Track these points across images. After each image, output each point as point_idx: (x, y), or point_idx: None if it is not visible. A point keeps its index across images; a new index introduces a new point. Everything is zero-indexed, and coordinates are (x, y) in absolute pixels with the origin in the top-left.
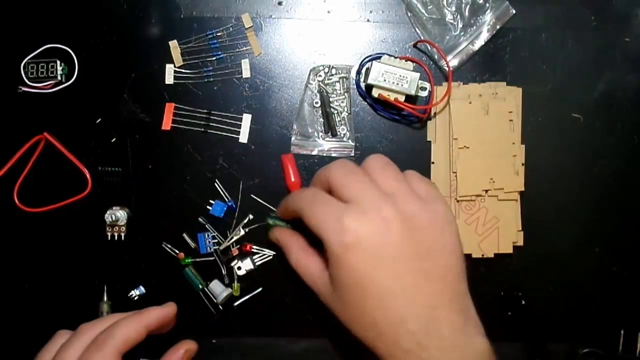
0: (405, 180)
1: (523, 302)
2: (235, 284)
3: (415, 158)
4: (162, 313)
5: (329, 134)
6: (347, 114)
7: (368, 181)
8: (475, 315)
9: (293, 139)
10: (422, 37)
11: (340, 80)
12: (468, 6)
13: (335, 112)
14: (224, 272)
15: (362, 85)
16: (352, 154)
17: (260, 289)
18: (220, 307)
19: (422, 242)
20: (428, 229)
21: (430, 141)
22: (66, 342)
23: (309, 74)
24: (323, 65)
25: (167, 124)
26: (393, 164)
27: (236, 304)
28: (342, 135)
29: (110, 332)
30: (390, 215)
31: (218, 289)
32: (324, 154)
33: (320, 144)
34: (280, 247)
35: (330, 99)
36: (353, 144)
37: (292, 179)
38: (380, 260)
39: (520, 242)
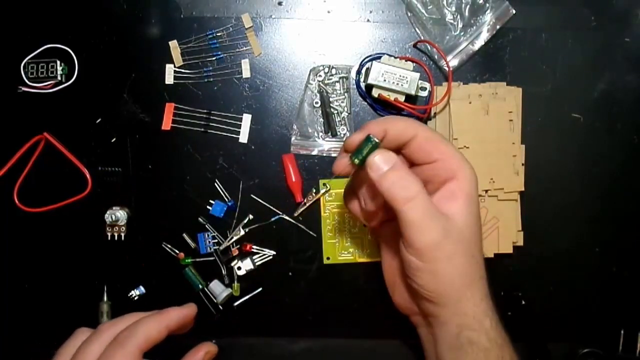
0: None
1: (523, 302)
2: (236, 284)
3: None
4: (182, 313)
5: (329, 134)
6: (347, 114)
7: None
8: None
9: (293, 139)
10: (422, 37)
11: (340, 80)
12: (468, 6)
13: (335, 112)
14: (224, 272)
15: (362, 85)
16: None
17: (260, 288)
18: (220, 307)
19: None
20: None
21: None
22: (87, 340)
23: (309, 74)
24: (323, 65)
25: (167, 124)
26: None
27: (236, 304)
28: (342, 135)
29: (132, 330)
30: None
31: (218, 289)
32: (324, 154)
33: (320, 144)
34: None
35: (330, 99)
36: None
37: (293, 179)
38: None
39: (520, 242)
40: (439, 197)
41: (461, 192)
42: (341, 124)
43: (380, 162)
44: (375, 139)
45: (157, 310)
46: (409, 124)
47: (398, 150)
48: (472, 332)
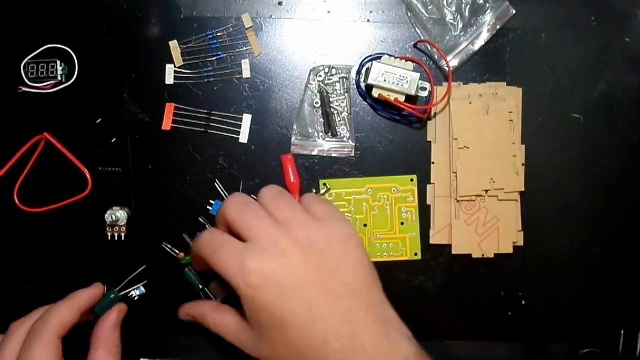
0: (298, 207)
1: (523, 302)
2: None
3: (415, 158)
4: (90, 293)
5: (329, 134)
6: (347, 114)
7: (263, 215)
8: (398, 322)
9: (293, 139)
10: (422, 37)
11: (340, 80)
12: (468, 6)
13: (335, 112)
14: None
15: (362, 85)
16: (352, 154)
17: None
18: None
19: (325, 263)
20: (329, 249)
21: (430, 141)
22: (2, 341)
23: (309, 74)
24: (323, 65)
25: (167, 124)
26: (286, 192)
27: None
28: (342, 135)
29: (45, 318)
30: (288, 246)
31: (217, 289)
32: (324, 154)
33: (320, 144)
34: (196, 321)
35: (330, 99)
36: (353, 143)
37: (292, 180)
38: (288, 292)
39: (520, 242)
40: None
41: (243, 303)
42: (341, 124)
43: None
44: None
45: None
46: (194, 250)
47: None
48: None
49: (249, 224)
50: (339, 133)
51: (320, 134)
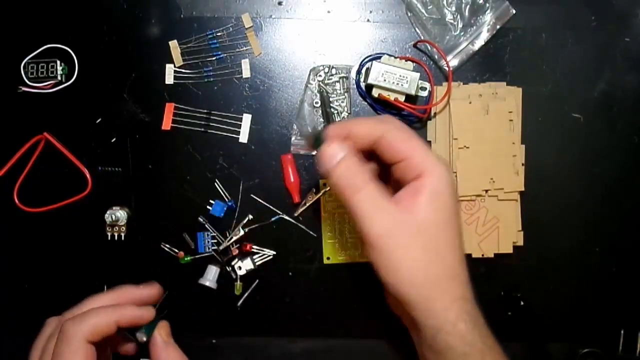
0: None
1: (522, 303)
2: (238, 284)
3: None
4: (137, 314)
5: None
6: (347, 114)
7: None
8: None
9: (293, 139)
10: (422, 37)
11: (340, 80)
12: (468, 6)
13: (335, 112)
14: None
15: (362, 85)
16: None
17: (257, 280)
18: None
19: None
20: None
21: (430, 141)
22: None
23: (309, 74)
24: (323, 65)
25: (167, 124)
26: None
27: (239, 303)
28: None
29: (79, 320)
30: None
31: (211, 271)
32: None
33: None
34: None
35: (330, 99)
36: None
37: (292, 179)
38: (456, 210)
39: (520, 242)
40: (402, 194)
41: (424, 189)
42: None
43: (326, 157)
44: (323, 137)
45: (118, 292)
46: (374, 124)
47: (371, 151)
48: (448, 336)
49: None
50: None
51: None
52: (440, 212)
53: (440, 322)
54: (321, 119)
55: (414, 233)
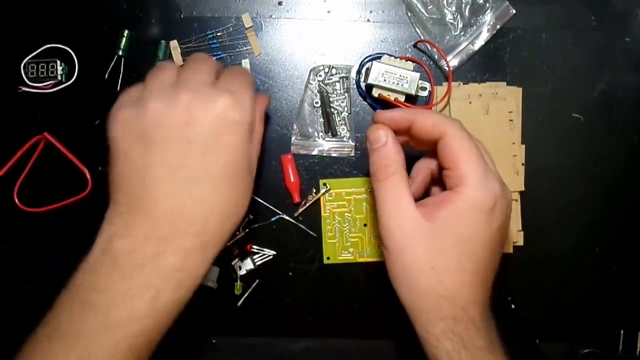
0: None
1: (522, 303)
2: (238, 283)
3: (415, 158)
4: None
5: (329, 134)
6: (347, 114)
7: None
8: None
9: (293, 139)
10: (422, 37)
11: (340, 80)
12: (468, 6)
13: (335, 112)
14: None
15: (362, 85)
16: (353, 154)
17: (257, 280)
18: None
19: (504, 242)
20: (507, 231)
21: None
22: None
23: (309, 74)
24: (323, 65)
25: None
26: None
27: (239, 303)
28: (342, 135)
29: (243, 76)
30: (507, 199)
31: (211, 271)
32: (324, 154)
33: (320, 143)
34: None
35: (330, 99)
36: (353, 143)
37: (291, 179)
38: (498, 235)
39: (520, 242)
40: (430, 199)
41: (449, 203)
42: (341, 124)
43: (370, 138)
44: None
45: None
46: (438, 122)
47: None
48: (433, 349)
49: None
50: (339, 133)
51: (320, 134)
52: (455, 232)
53: (423, 332)
54: (321, 119)
55: (423, 239)
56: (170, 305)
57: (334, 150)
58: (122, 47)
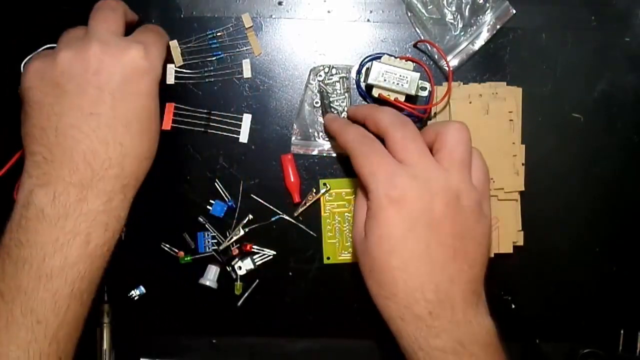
0: (467, 166)
1: (522, 303)
2: (238, 283)
3: None
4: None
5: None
6: (347, 114)
7: (426, 152)
8: (485, 301)
9: (293, 139)
10: (422, 37)
11: (340, 80)
12: (468, 6)
13: (335, 112)
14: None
15: (362, 85)
16: None
17: (257, 280)
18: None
19: (460, 223)
20: (468, 215)
21: None
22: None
23: (309, 74)
24: (323, 65)
25: (167, 124)
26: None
27: (239, 303)
28: None
29: (155, 31)
30: (440, 188)
31: (211, 271)
32: (324, 154)
33: (320, 144)
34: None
35: (330, 99)
36: None
37: (291, 179)
38: (417, 224)
39: (520, 242)
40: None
41: (370, 209)
42: None
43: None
44: None
45: None
46: (339, 134)
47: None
48: (400, 340)
49: (413, 153)
50: None
51: (321, 134)
52: (373, 232)
53: (390, 325)
54: (321, 119)
55: (362, 248)
56: (100, 248)
57: (334, 150)
58: None
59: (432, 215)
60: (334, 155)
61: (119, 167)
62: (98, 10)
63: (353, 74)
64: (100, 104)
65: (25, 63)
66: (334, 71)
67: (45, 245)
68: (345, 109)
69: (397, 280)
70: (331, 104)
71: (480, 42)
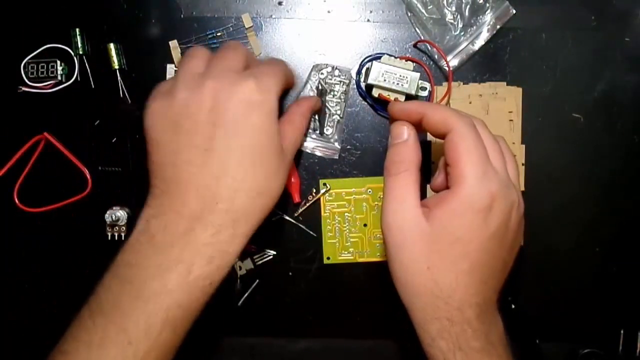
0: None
1: (522, 303)
2: (238, 283)
3: None
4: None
5: (317, 131)
6: (339, 117)
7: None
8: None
9: None
10: (422, 37)
11: (340, 84)
12: (468, 6)
13: (329, 112)
14: None
15: (362, 85)
16: (336, 157)
17: (257, 280)
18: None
19: (516, 236)
20: (521, 227)
21: (430, 141)
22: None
23: (311, 70)
24: (327, 64)
25: None
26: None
27: (239, 303)
28: (327, 135)
29: (273, 63)
30: (516, 202)
31: None
32: (309, 151)
33: (307, 140)
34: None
35: (327, 98)
36: (339, 147)
37: (292, 179)
38: (496, 235)
39: (521, 242)
40: (431, 199)
41: (446, 203)
42: (330, 126)
43: (392, 133)
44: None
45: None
46: (447, 117)
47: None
48: (429, 348)
49: (496, 153)
50: (324, 133)
51: (310, 130)
52: (450, 232)
53: (420, 331)
54: (316, 116)
55: (420, 238)
56: (201, 279)
57: (319, 150)
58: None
59: (507, 228)
60: (318, 154)
61: (229, 202)
62: (221, 49)
63: (353, 75)
64: (214, 139)
65: (148, 102)
66: (336, 72)
67: (148, 268)
68: (338, 112)
69: (459, 284)
70: (327, 103)
71: (480, 42)
